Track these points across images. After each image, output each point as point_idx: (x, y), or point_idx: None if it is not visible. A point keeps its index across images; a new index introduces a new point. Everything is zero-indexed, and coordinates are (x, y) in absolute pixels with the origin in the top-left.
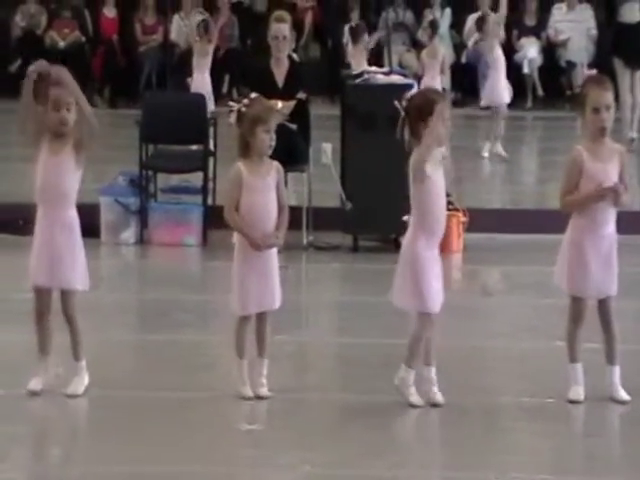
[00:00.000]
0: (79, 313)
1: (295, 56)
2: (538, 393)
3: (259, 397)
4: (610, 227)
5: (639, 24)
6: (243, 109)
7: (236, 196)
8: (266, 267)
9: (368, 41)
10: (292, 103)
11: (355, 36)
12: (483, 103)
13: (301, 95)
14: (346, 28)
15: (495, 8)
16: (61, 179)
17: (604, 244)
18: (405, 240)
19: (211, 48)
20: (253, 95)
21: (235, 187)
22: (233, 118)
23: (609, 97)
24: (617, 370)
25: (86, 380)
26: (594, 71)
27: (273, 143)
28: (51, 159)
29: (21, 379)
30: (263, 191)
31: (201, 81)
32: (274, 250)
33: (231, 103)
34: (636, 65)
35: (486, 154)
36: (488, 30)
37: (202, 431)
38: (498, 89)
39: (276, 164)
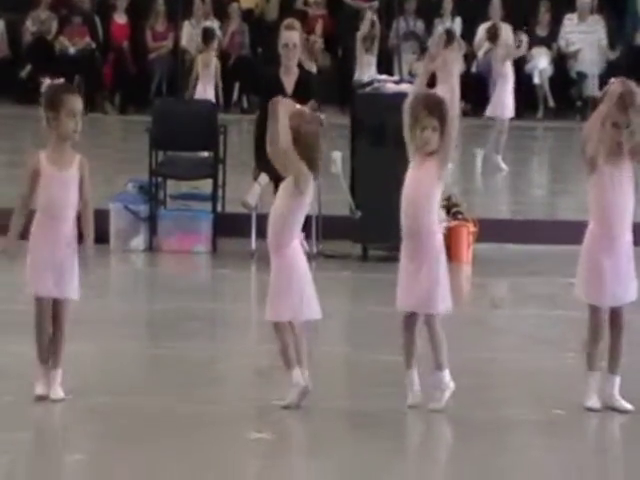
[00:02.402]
0: (87, 320)
1: (312, 65)
2: (548, 406)
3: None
4: (627, 236)
5: None
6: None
7: None
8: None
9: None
10: None
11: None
12: (488, 113)
13: (313, 105)
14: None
15: (506, 19)
16: (69, 196)
17: (620, 253)
18: None
19: (214, 58)
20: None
21: None
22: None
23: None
24: (618, 380)
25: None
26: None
27: None
28: (57, 174)
29: (29, 386)
30: None
31: (203, 93)
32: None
33: None
34: None
35: (503, 165)
36: (501, 41)
37: (210, 440)
38: (507, 102)
39: None
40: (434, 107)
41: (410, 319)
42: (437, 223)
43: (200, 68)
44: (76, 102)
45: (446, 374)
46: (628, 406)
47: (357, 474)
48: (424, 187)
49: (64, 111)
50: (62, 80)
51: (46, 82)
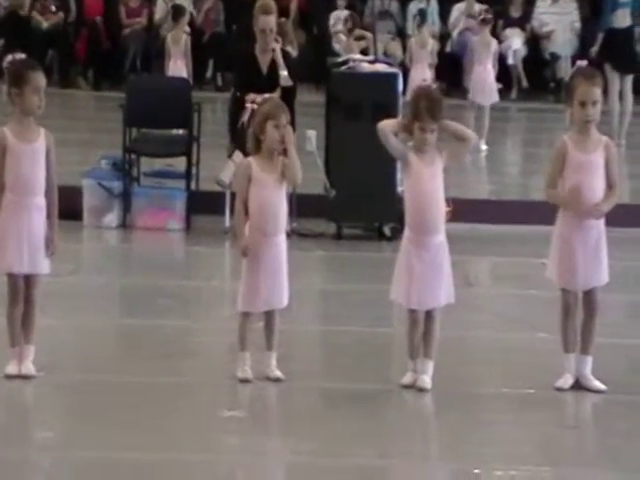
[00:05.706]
0: (60, 297)
1: (290, 49)
2: (520, 384)
3: (277, 379)
4: (599, 221)
5: (629, 29)
6: (255, 107)
7: (245, 189)
8: (275, 265)
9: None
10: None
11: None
12: (478, 100)
13: (286, 82)
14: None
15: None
16: (38, 168)
17: (591, 236)
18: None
19: (183, 35)
20: (267, 95)
21: (244, 181)
22: (246, 117)
23: (597, 92)
24: (590, 360)
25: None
26: (585, 62)
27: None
28: (26, 148)
29: (0, 363)
30: (274, 187)
31: (174, 69)
32: (283, 247)
33: (247, 105)
34: (625, 70)
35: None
36: (481, 24)
37: (183, 418)
38: (492, 86)
39: (282, 159)
40: (437, 112)
41: (419, 314)
42: None
43: (171, 45)
44: (40, 78)
45: (432, 364)
46: (601, 386)
47: (332, 453)
48: (439, 182)
49: (29, 87)
50: (24, 55)
51: (8, 58)
